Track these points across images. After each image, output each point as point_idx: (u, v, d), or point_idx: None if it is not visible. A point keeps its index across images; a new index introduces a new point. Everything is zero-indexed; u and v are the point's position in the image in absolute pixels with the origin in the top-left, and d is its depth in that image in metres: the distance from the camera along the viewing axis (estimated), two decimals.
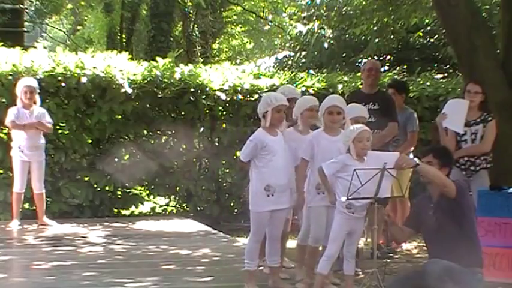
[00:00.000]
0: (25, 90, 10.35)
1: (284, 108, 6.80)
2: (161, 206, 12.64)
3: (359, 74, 13.82)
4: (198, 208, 12.33)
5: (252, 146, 6.76)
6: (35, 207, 10.86)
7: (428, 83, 13.18)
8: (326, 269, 6.54)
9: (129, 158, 12.10)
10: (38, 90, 10.54)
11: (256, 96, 11.80)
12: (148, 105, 11.97)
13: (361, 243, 7.83)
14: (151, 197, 12.55)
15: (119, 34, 29.39)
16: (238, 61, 31.66)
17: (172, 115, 12.27)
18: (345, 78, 13.13)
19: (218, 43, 32.69)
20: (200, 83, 12.03)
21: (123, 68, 11.86)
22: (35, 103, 10.49)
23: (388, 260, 7.51)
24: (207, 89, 12.01)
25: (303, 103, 7.20)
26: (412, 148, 9.54)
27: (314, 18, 18.97)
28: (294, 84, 12.41)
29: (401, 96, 9.58)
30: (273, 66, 20.36)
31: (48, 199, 11.47)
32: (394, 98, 9.23)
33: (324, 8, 18.72)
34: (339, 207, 6.48)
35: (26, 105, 10.37)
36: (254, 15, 31.04)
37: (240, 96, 12.01)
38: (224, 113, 12.27)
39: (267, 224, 6.78)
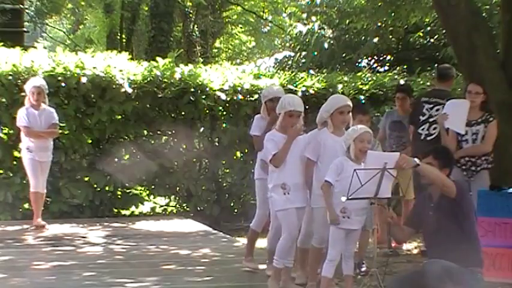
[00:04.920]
0: (33, 91, 10.27)
1: (298, 114, 6.86)
2: (161, 206, 12.64)
3: (359, 74, 13.89)
4: (198, 208, 12.33)
5: (273, 144, 6.84)
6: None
7: (428, 83, 13.17)
8: (330, 272, 6.54)
9: (129, 158, 12.10)
10: (47, 90, 10.48)
11: (256, 96, 11.80)
12: (148, 105, 11.96)
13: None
14: (152, 197, 12.54)
15: (119, 34, 29.38)
16: (238, 61, 31.65)
17: (172, 115, 12.27)
18: (345, 78, 13.13)
19: (218, 43, 32.69)
20: (200, 83, 12.03)
21: (123, 68, 11.87)
22: (44, 102, 10.45)
23: (389, 260, 7.49)
24: (207, 89, 12.01)
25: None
26: None
27: (313, 16, 18.93)
28: (294, 85, 12.44)
29: (411, 99, 9.74)
30: (273, 66, 20.31)
31: (48, 199, 11.47)
32: (405, 102, 9.41)
33: (324, 8, 18.69)
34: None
35: (34, 105, 10.33)
36: (254, 15, 31.02)
37: (240, 96, 12.00)
38: (224, 113, 12.26)
39: (298, 222, 6.83)
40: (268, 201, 7.55)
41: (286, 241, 6.87)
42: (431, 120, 8.76)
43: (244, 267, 7.83)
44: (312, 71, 15.84)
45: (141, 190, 12.41)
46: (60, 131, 11.60)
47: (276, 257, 6.93)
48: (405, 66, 16.67)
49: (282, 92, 7.87)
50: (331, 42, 19.00)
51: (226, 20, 31.63)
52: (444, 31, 12.91)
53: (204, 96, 11.98)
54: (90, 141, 11.92)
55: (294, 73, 13.92)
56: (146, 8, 28.30)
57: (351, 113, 6.94)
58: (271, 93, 7.79)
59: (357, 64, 18.48)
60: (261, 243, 8.28)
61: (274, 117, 7.49)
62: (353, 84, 12.79)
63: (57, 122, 10.52)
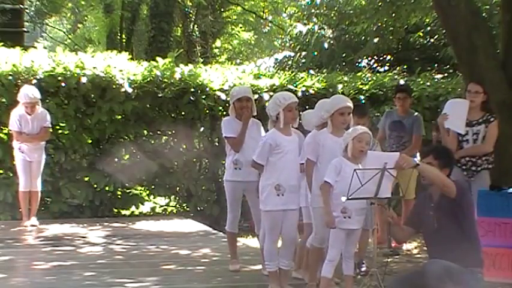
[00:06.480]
0: (26, 105, 10.41)
1: (295, 105, 6.82)
2: (161, 206, 12.64)
3: (359, 74, 13.89)
4: (198, 208, 12.33)
5: (267, 146, 6.77)
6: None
7: (428, 83, 13.18)
8: (330, 272, 6.53)
9: (129, 158, 12.11)
10: (40, 97, 10.54)
11: (256, 96, 11.78)
12: (148, 105, 11.97)
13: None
14: (152, 197, 12.55)
15: (119, 34, 29.38)
16: (238, 61, 31.65)
17: (172, 115, 12.27)
18: (345, 78, 13.13)
19: (219, 43, 32.68)
20: (200, 83, 12.03)
21: (123, 68, 11.87)
22: (38, 105, 10.54)
23: (389, 260, 7.49)
24: (207, 89, 12.01)
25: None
26: (417, 151, 9.52)
27: (314, 17, 18.96)
28: (294, 85, 12.44)
29: (411, 99, 9.75)
30: (273, 67, 20.35)
31: (48, 199, 11.50)
32: (406, 102, 9.42)
33: (324, 8, 18.72)
34: (334, 212, 6.47)
35: (28, 112, 10.46)
36: (254, 15, 31.03)
37: None
38: (224, 113, 12.24)
39: (281, 224, 6.78)
40: (239, 202, 7.71)
41: (270, 243, 6.87)
42: None
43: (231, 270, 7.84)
44: (312, 71, 15.84)
45: (141, 190, 12.41)
46: (60, 131, 11.64)
47: (267, 262, 6.94)
48: (405, 66, 16.69)
49: (250, 92, 7.87)
50: (331, 42, 19.03)
51: (226, 20, 31.62)
52: (444, 31, 12.90)
53: (204, 96, 11.98)
54: (90, 141, 11.92)
55: (294, 73, 13.92)
56: (146, 8, 28.31)
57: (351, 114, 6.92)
58: (240, 92, 7.77)
59: (357, 64, 18.50)
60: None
61: (248, 116, 7.55)
62: (353, 84, 12.79)
63: (49, 125, 10.62)
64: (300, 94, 12.12)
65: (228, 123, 7.72)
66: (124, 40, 28.84)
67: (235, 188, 7.70)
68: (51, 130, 10.88)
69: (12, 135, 10.70)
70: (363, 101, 12.26)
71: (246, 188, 7.65)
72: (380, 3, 15.16)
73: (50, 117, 10.65)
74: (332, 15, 18.44)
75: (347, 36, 18.87)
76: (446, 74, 15.89)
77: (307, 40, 19.54)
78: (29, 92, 10.42)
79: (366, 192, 6.25)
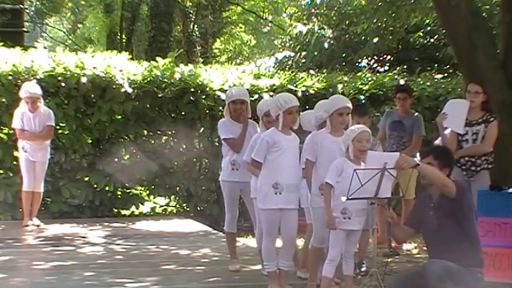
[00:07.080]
0: (27, 100, 10.41)
1: (295, 109, 6.82)
2: (161, 206, 12.64)
3: (359, 74, 13.89)
4: (198, 208, 12.33)
5: (264, 143, 6.77)
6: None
7: (428, 83, 13.17)
8: (331, 272, 6.53)
9: (129, 158, 12.11)
10: (41, 93, 10.54)
11: (256, 96, 11.79)
12: (148, 105, 11.97)
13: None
14: (152, 197, 12.55)
15: (119, 34, 29.39)
16: (238, 61, 31.66)
17: (172, 115, 12.27)
18: (345, 78, 13.13)
19: (219, 43, 32.68)
20: (200, 83, 12.03)
21: (123, 68, 11.87)
22: (40, 103, 10.52)
23: (389, 260, 7.49)
24: (207, 89, 12.01)
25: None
26: (417, 151, 9.52)
27: (313, 17, 18.97)
28: (294, 85, 12.43)
29: (411, 99, 9.75)
30: (273, 67, 20.34)
31: (48, 199, 11.50)
32: (406, 102, 9.41)
33: (324, 8, 18.72)
34: (334, 213, 6.46)
35: (30, 110, 10.45)
36: (254, 16, 31.04)
37: None
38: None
39: (279, 224, 6.77)
40: (236, 203, 7.72)
41: (267, 243, 6.86)
42: None
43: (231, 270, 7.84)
44: (312, 71, 15.83)
45: (141, 190, 12.41)
46: (60, 131, 11.64)
47: (265, 262, 6.94)
48: (405, 66, 16.68)
49: (246, 95, 7.86)
50: (331, 42, 19.02)
51: (226, 20, 31.63)
52: (444, 31, 12.91)
53: (204, 96, 11.98)
54: (90, 141, 11.92)
55: (294, 73, 13.91)
56: (146, 8, 28.33)
57: (350, 115, 6.92)
58: (235, 95, 7.78)
59: (357, 64, 18.50)
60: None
61: (246, 118, 7.60)
62: (353, 84, 12.79)
63: (52, 124, 10.60)
64: (300, 94, 12.11)
65: (224, 124, 7.77)
66: (124, 40, 28.85)
67: (232, 188, 7.72)
68: None
69: (13, 135, 10.72)
70: (363, 101, 12.25)
71: (243, 189, 7.67)
72: (380, 3, 15.16)
73: (53, 116, 10.64)
74: (332, 15, 18.45)
75: (347, 36, 18.87)
76: (446, 74, 15.89)
77: (307, 40, 19.54)
78: (29, 88, 10.44)
79: (366, 192, 6.25)
